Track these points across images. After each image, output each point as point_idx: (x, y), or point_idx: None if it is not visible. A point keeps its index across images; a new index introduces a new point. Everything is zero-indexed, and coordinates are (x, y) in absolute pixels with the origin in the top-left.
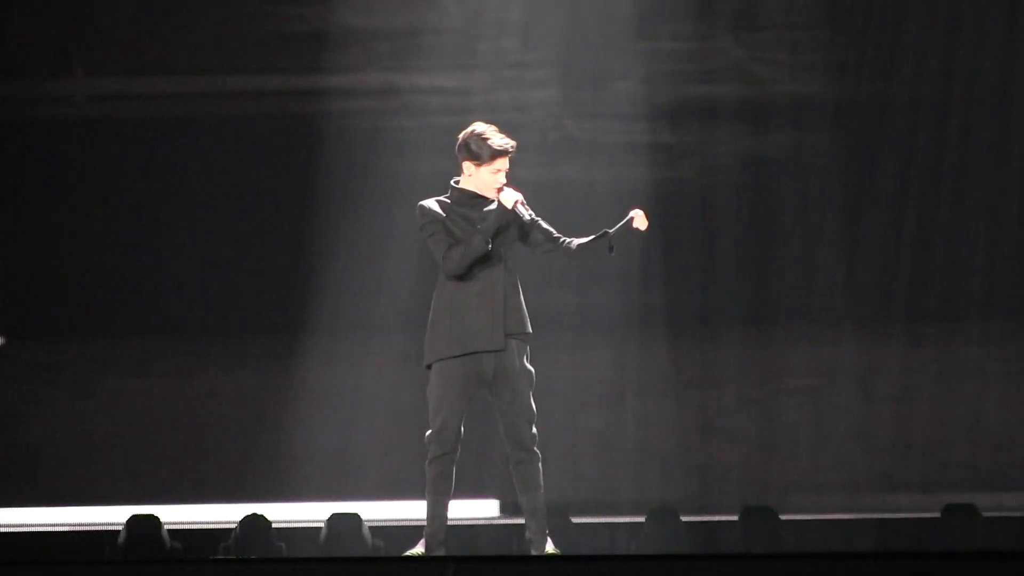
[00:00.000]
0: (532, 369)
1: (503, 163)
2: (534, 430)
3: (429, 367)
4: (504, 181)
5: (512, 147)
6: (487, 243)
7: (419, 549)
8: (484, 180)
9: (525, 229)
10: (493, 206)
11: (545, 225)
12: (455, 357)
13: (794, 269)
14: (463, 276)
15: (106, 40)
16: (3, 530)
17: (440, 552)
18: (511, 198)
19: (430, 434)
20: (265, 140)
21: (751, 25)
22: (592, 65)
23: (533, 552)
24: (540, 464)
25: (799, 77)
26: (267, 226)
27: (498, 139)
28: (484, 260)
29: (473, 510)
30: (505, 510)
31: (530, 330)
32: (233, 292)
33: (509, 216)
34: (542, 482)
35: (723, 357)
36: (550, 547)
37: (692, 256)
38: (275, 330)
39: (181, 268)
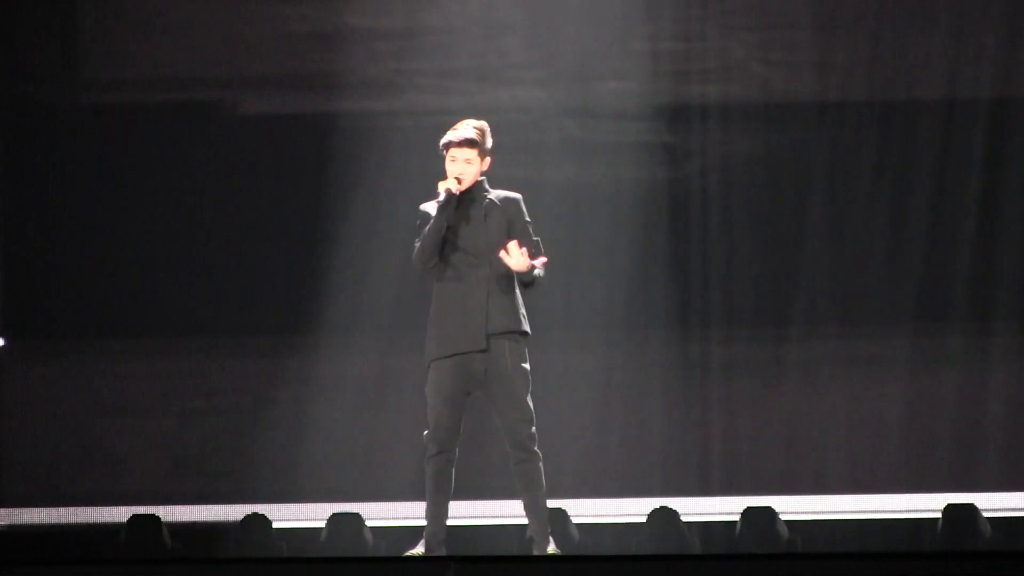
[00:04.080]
0: (528, 368)
1: (457, 153)
2: (532, 430)
3: (428, 367)
4: (460, 171)
5: (457, 139)
6: (438, 234)
7: (419, 549)
8: (447, 171)
9: (514, 232)
10: (492, 196)
11: (529, 245)
12: (447, 357)
13: (796, 268)
14: (447, 276)
15: (110, 40)
16: (3, 530)
17: (440, 552)
18: (443, 185)
19: (427, 434)
20: (266, 140)
21: (751, 25)
22: (592, 65)
23: (535, 552)
24: (541, 464)
25: (799, 77)
26: (269, 225)
27: (450, 133)
28: (468, 261)
29: (474, 510)
30: (506, 510)
31: (525, 329)
32: (235, 291)
33: (447, 206)
34: (543, 482)
35: (724, 356)
36: (551, 547)
37: (692, 256)
38: (276, 329)
39: (182, 267)
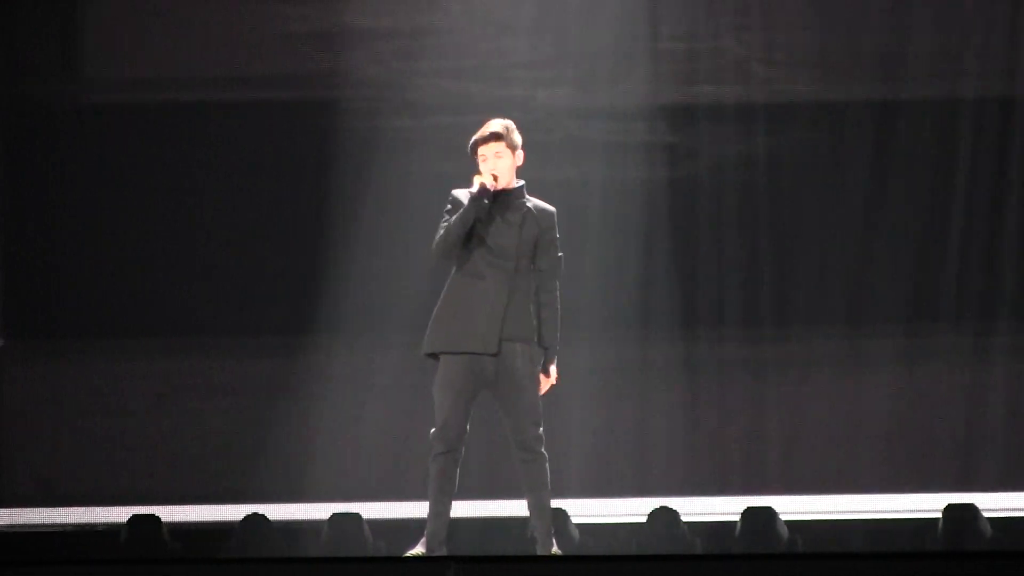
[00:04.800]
0: (539, 371)
1: (484, 150)
2: (540, 431)
3: (429, 356)
4: (492, 166)
5: (482, 136)
6: (463, 227)
7: (420, 549)
8: (481, 170)
9: (540, 244)
10: (530, 204)
11: (551, 260)
12: (457, 355)
13: (796, 268)
14: (467, 271)
15: (110, 40)
16: (3, 530)
17: (441, 552)
18: (477, 181)
19: (434, 431)
20: (266, 140)
21: (751, 25)
22: (592, 65)
23: (539, 551)
24: (547, 464)
25: (799, 77)
26: (269, 225)
27: (480, 131)
28: (493, 261)
29: (475, 510)
30: (507, 510)
31: (537, 337)
32: (235, 291)
33: (479, 200)
34: (549, 482)
35: (724, 355)
36: (554, 548)
37: (693, 255)
38: (276, 329)
39: (182, 267)
